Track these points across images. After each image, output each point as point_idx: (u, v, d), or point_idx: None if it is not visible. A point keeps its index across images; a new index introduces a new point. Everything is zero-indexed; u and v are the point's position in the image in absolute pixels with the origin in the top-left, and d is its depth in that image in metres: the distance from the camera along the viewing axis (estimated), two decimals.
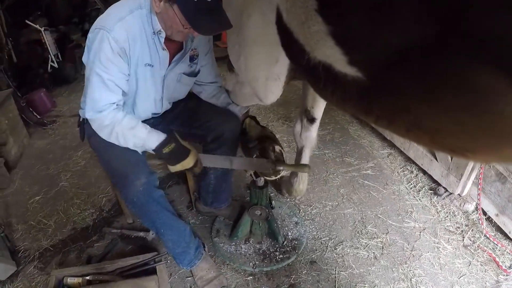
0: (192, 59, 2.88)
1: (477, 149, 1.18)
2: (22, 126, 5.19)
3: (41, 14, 7.29)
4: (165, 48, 2.60)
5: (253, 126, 3.07)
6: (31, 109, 5.64)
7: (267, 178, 2.90)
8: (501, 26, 0.78)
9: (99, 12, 8.22)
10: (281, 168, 2.83)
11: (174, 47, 2.70)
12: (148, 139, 2.59)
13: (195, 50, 2.86)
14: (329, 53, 1.26)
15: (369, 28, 1.07)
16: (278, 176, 2.89)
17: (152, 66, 2.65)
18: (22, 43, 6.53)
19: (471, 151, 1.20)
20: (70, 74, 7.29)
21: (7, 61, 5.73)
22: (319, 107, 3.07)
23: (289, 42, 1.52)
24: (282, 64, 2.14)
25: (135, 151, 2.70)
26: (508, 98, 0.88)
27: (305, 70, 1.53)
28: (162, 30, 2.49)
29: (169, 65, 2.74)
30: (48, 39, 6.60)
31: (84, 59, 2.61)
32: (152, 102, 2.87)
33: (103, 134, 2.61)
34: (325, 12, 1.18)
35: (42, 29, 6.50)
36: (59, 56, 6.97)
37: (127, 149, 2.66)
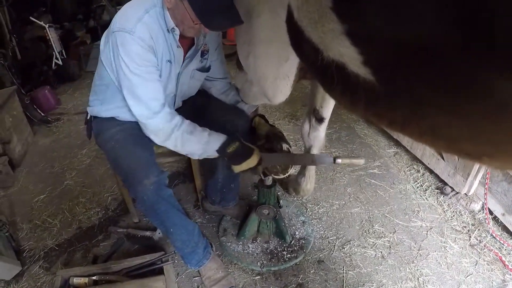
0: (203, 54, 2.86)
1: (495, 154, 1.13)
2: (26, 123, 5.19)
3: (46, 11, 7.28)
4: (180, 45, 2.59)
5: (262, 124, 3.06)
6: (35, 107, 5.64)
7: (275, 176, 2.89)
8: None
9: (104, 9, 8.23)
10: (340, 161, 2.81)
11: (187, 43, 2.69)
12: (210, 142, 2.58)
13: (205, 45, 2.84)
14: (344, 52, 1.20)
15: (388, 28, 1.01)
16: (287, 175, 2.88)
17: (171, 63, 2.63)
18: (26, 40, 6.51)
19: (489, 155, 1.15)
20: (75, 72, 7.29)
21: (11, 58, 5.72)
22: (328, 107, 3.05)
23: (300, 41, 1.47)
24: (292, 63, 2.13)
25: (144, 149, 2.68)
26: None
27: (316, 69, 1.48)
28: (175, 27, 2.47)
29: (183, 62, 2.72)
30: (52, 36, 6.59)
31: (106, 62, 2.60)
32: (166, 99, 2.84)
33: (158, 138, 2.58)
34: (341, 10, 1.11)
35: (46, 26, 6.48)
36: (64, 53, 6.96)
37: (136, 147, 2.65)
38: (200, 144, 2.57)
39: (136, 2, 2.51)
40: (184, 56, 2.70)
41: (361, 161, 2.92)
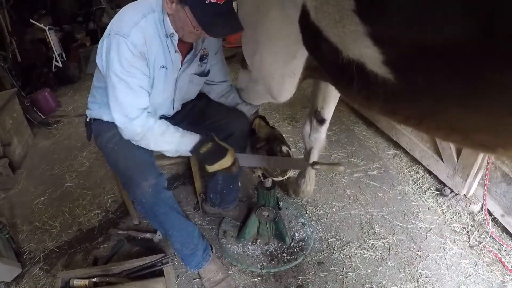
0: (202, 58, 2.86)
1: (509, 145, 1.20)
2: (26, 126, 5.20)
3: (46, 13, 7.30)
4: (178, 50, 2.60)
5: (262, 126, 3.06)
6: (35, 109, 5.63)
7: (274, 178, 2.90)
8: None
9: (104, 11, 8.24)
10: (318, 167, 2.83)
11: (185, 48, 2.70)
12: (182, 143, 2.61)
13: (205, 49, 2.85)
14: (365, 53, 1.26)
15: (410, 29, 1.07)
16: (285, 177, 2.89)
17: (167, 68, 2.64)
18: (26, 42, 6.52)
19: (503, 146, 1.22)
20: (75, 74, 7.29)
21: (11, 60, 5.72)
22: (330, 108, 3.06)
23: (317, 41, 1.50)
24: (299, 61, 2.15)
25: (143, 152, 2.69)
26: None
27: (333, 68, 1.56)
28: (174, 32, 2.48)
29: (181, 66, 2.73)
30: (52, 38, 6.60)
31: (99, 62, 2.61)
32: (164, 104, 2.86)
33: (134, 141, 2.61)
34: (364, 12, 1.16)
35: (46, 28, 6.49)
36: (64, 55, 6.96)
37: (135, 149, 2.66)
38: (172, 144, 2.60)
39: (135, 6, 2.52)
40: (182, 61, 2.71)
41: (341, 168, 2.92)
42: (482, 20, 0.86)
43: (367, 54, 1.24)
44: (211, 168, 2.66)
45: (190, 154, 2.68)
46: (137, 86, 2.48)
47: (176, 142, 2.60)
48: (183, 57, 2.70)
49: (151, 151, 2.76)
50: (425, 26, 1.01)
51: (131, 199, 2.63)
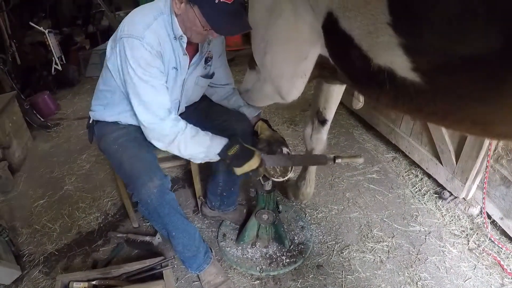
0: (206, 61, 2.89)
1: None
2: (25, 128, 5.20)
3: (45, 16, 7.30)
4: (186, 52, 2.63)
5: (265, 128, 3.07)
6: (35, 112, 5.63)
7: (274, 179, 2.89)
8: None
9: (103, 14, 8.25)
10: (339, 160, 2.87)
11: (192, 50, 2.73)
12: (211, 146, 2.61)
13: (209, 52, 2.87)
14: (395, 61, 1.38)
15: (438, 41, 1.19)
16: (286, 178, 2.89)
17: (177, 69, 2.67)
18: (26, 45, 6.52)
19: None
20: (74, 77, 7.30)
21: (10, 63, 5.73)
22: (331, 108, 3.09)
23: (346, 47, 1.61)
24: (310, 61, 2.19)
25: (148, 153, 2.71)
26: None
27: (360, 73, 1.69)
28: (183, 35, 2.50)
29: (188, 68, 2.75)
30: (52, 41, 6.61)
31: (112, 67, 2.62)
32: (171, 105, 2.86)
33: (162, 144, 2.61)
34: (398, 26, 1.28)
35: (46, 31, 6.50)
36: (63, 58, 6.98)
37: (140, 150, 2.68)
38: (202, 147, 2.60)
39: (144, 9, 2.54)
40: (190, 63, 2.73)
41: (361, 160, 2.98)
42: (500, 36, 1.01)
43: (397, 61, 1.37)
44: (241, 170, 2.66)
45: (218, 158, 2.66)
46: (160, 85, 2.50)
47: (206, 146, 2.60)
48: (190, 59, 2.72)
49: (154, 153, 2.78)
50: (452, 39, 1.15)
51: (136, 200, 2.62)
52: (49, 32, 6.57)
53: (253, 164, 2.64)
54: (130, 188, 2.64)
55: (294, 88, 2.42)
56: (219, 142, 2.62)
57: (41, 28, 6.49)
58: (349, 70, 1.86)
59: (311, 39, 1.91)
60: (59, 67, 6.81)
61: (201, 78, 2.94)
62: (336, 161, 2.85)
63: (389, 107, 1.99)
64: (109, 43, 2.60)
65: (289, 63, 2.27)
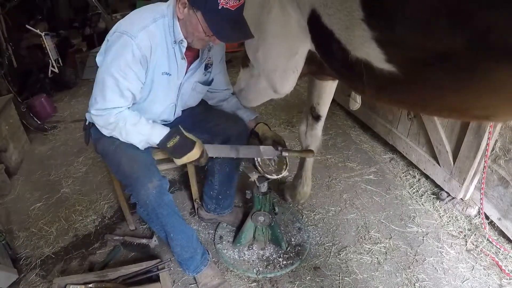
0: (207, 67, 2.90)
1: (498, 114, 1.53)
2: (22, 131, 5.18)
3: (42, 19, 7.30)
4: (184, 57, 2.63)
5: (266, 129, 3.08)
6: (31, 115, 5.62)
7: (269, 176, 2.89)
8: None
9: (100, 16, 8.25)
10: (287, 154, 2.87)
11: (192, 55, 2.73)
12: (151, 134, 2.63)
13: (210, 58, 2.89)
14: (370, 53, 1.48)
15: (409, 35, 1.30)
16: (280, 176, 2.88)
17: (170, 74, 2.67)
18: (22, 47, 6.52)
19: (494, 116, 1.58)
20: (71, 79, 7.29)
21: (7, 66, 5.71)
22: (325, 104, 3.10)
23: (328, 41, 1.70)
24: (300, 57, 2.24)
25: (146, 154, 2.73)
26: None
27: (342, 65, 1.76)
28: (184, 39, 2.51)
29: (185, 73, 2.76)
30: (48, 43, 6.60)
31: (98, 59, 2.62)
32: (166, 109, 2.89)
33: (106, 131, 2.65)
34: (371, 21, 1.39)
35: (42, 34, 6.49)
36: (60, 61, 6.97)
37: (138, 152, 2.69)
38: (142, 136, 2.63)
39: (146, 10, 2.56)
40: (188, 68, 2.74)
41: (311, 155, 3.05)
42: (467, 32, 1.12)
43: (372, 54, 1.46)
44: (180, 161, 2.69)
45: (157, 147, 2.70)
46: (126, 88, 2.52)
47: (147, 134, 2.63)
48: (189, 64, 2.73)
49: (151, 154, 2.82)
50: (420, 34, 1.26)
51: (134, 201, 2.63)
52: (45, 34, 6.56)
53: (192, 156, 2.65)
54: (129, 189, 2.64)
55: (287, 82, 2.46)
56: (159, 132, 2.64)
57: (38, 31, 6.48)
58: (332, 63, 1.95)
59: (300, 35, 1.99)
60: (56, 70, 6.81)
61: (199, 84, 2.94)
62: (283, 154, 2.86)
63: (374, 99, 2.13)
64: (106, 38, 2.61)
65: (281, 58, 2.32)
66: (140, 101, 2.75)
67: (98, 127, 2.67)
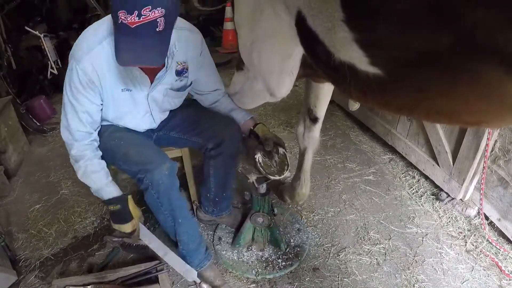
0: (180, 73, 2.80)
1: (490, 120, 1.49)
2: (21, 133, 5.18)
3: (41, 20, 7.28)
4: (141, 70, 2.56)
5: (266, 130, 3.06)
6: (30, 116, 5.61)
7: (271, 176, 2.88)
8: (503, 39, 0.99)
9: (99, 17, 8.23)
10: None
11: (154, 68, 2.61)
12: (103, 190, 2.66)
13: (183, 63, 2.79)
14: (353, 55, 1.45)
15: (391, 36, 1.27)
16: (282, 176, 2.88)
17: (131, 90, 2.64)
18: (21, 49, 6.51)
19: (485, 122, 1.53)
20: None
21: (6, 68, 5.70)
22: (322, 106, 3.08)
23: (313, 43, 1.68)
24: (295, 59, 2.21)
25: (152, 143, 2.88)
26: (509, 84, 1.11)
27: (328, 67, 1.70)
28: None
29: (151, 83, 2.69)
30: (47, 45, 6.58)
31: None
32: (141, 119, 2.89)
33: (71, 159, 2.70)
34: (351, 22, 1.36)
35: (41, 35, 6.48)
36: (59, 62, 6.95)
37: (142, 140, 2.81)
38: (95, 185, 2.66)
39: (95, 28, 2.52)
40: (153, 78, 2.67)
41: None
42: (451, 31, 1.09)
43: (355, 56, 1.43)
44: (113, 226, 2.77)
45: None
46: (81, 112, 2.55)
47: (99, 187, 2.66)
48: (153, 75, 2.65)
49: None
50: (405, 34, 1.22)
51: (145, 186, 2.64)
52: (44, 36, 6.54)
53: (123, 228, 2.73)
54: (141, 172, 2.63)
55: (283, 86, 2.44)
56: (109, 192, 2.66)
57: (37, 33, 6.47)
58: (320, 66, 1.92)
59: (291, 37, 1.94)
60: (55, 71, 6.78)
61: (171, 91, 2.87)
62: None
63: (361, 102, 2.12)
64: None
65: (275, 61, 2.28)
66: (108, 118, 2.78)
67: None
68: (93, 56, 2.38)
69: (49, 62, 6.66)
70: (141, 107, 2.79)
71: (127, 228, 2.70)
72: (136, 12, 2.00)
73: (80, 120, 2.56)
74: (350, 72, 1.53)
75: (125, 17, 2.03)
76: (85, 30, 2.54)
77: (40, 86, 6.61)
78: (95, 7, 7.85)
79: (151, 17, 2.04)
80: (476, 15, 1.00)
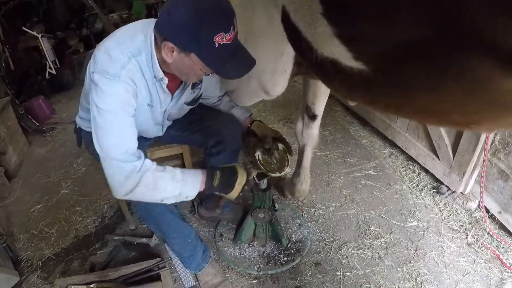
0: (195, 85, 2.73)
1: (481, 121, 1.34)
2: (21, 134, 5.18)
3: (38, 21, 7.29)
4: (167, 90, 2.46)
5: (263, 127, 3.04)
6: (30, 117, 5.62)
7: (272, 174, 2.87)
8: (494, 28, 0.90)
9: (96, 17, 8.23)
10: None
11: (175, 84, 2.55)
12: (186, 180, 2.39)
13: None
14: (335, 51, 1.39)
15: (371, 29, 1.20)
16: (283, 173, 2.87)
17: (152, 106, 2.50)
18: (19, 50, 6.51)
19: (476, 123, 1.37)
20: (69, 81, 7.25)
21: (4, 69, 5.70)
22: (320, 103, 3.08)
23: (298, 39, 1.63)
24: (288, 57, 2.19)
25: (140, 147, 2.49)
26: (503, 81, 1.02)
27: (313, 64, 1.62)
28: (164, 77, 2.32)
29: (170, 101, 2.62)
30: (45, 45, 6.59)
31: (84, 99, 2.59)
32: (151, 130, 2.78)
33: (126, 186, 2.27)
34: (330, 15, 1.30)
35: (39, 36, 6.48)
36: (57, 62, 6.95)
37: None
38: (175, 181, 2.34)
39: (121, 43, 2.26)
40: (172, 96, 2.59)
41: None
42: (438, 22, 1.01)
43: (337, 51, 1.39)
44: (235, 193, 2.51)
45: (195, 195, 2.46)
46: (133, 126, 2.28)
47: (180, 179, 2.35)
48: (172, 93, 2.56)
49: (145, 150, 2.69)
50: (382, 27, 1.17)
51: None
52: (42, 36, 6.55)
53: (242, 180, 2.52)
54: None
55: (277, 84, 2.42)
56: (197, 179, 2.43)
57: (35, 33, 6.47)
58: (305, 61, 1.89)
59: (282, 35, 1.87)
60: (53, 72, 6.78)
61: (185, 105, 2.82)
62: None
63: (348, 99, 2.04)
64: (87, 77, 2.37)
65: (268, 60, 2.25)
66: None
67: (112, 189, 2.37)
68: (129, 71, 2.20)
69: (47, 62, 6.66)
70: (155, 120, 2.70)
71: (243, 175, 2.53)
72: (232, 27, 2.00)
73: (131, 135, 2.26)
74: (334, 68, 1.47)
75: (222, 38, 1.99)
76: (105, 45, 2.26)
77: (38, 87, 6.59)
78: (92, 6, 7.85)
79: (236, 23, 2.05)
80: (461, 2, 0.93)
